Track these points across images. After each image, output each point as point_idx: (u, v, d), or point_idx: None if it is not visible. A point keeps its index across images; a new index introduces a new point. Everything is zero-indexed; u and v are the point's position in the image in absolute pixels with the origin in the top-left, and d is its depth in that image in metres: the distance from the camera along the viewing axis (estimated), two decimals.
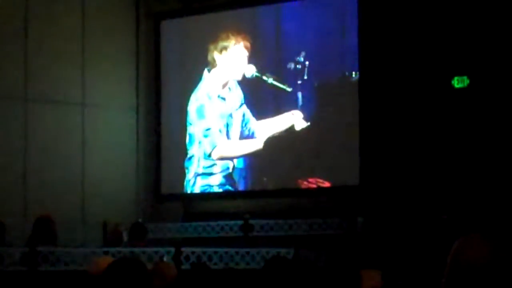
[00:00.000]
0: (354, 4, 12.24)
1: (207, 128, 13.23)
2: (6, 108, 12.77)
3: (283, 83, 12.72)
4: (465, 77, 11.37)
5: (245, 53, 13.07)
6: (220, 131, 13.14)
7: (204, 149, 13.26)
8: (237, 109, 13.09)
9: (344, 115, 12.30)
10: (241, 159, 13.14)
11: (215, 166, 13.21)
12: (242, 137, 13.08)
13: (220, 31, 13.28)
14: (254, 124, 12.98)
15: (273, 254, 10.29)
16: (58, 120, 13.23)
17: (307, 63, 12.59)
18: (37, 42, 13.07)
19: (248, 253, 10.78)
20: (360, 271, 5.12)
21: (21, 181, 12.77)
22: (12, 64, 12.84)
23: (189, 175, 13.46)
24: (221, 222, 12.85)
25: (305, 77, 12.59)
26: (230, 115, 13.11)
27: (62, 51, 13.31)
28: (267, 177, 12.98)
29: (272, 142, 12.82)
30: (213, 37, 13.30)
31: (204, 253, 10.48)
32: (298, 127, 12.62)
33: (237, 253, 10.76)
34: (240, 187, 13.19)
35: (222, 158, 13.14)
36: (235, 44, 13.15)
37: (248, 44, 13.05)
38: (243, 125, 13.06)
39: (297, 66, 12.65)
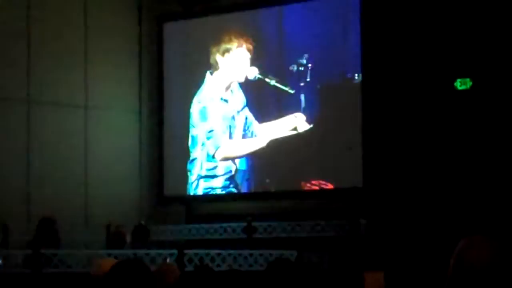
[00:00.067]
0: (356, 6, 12.25)
1: (210, 129, 13.23)
2: (9, 110, 12.78)
3: (286, 85, 12.73)
4: (467, 79, 11.37)
5: (248, 56, 13.07)
6: (223, 132, 13.15)
7: (207, 151, 13.26)
8: (239, 112, 13.09)
9: (347, 117, 12.30)
10: (243, 162, 13.14)
11: (218, 168, 13.22)
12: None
13: (223, 33, 13.29)
14: (257, 127, 12.98)
15: (276, 256, 10.28)
16: (61, 122, 13.24)
17: (309, 65, 12.60)
18: (40, 44, 13.08)
19: (251, 255, 10.78)
20: (363, 273, 5.12)
21: (24, 183, 12.78)
22: (15, 66, 12.85)
23: (192, 178, 13.46)
24: (224, 224, 12.85)
25: (308, 79, 12.60)
26: (233, 117, 13.12)
27: (64, 53, 13.33)
28: (270, 179, 12.99)
29: (275, 144, 12.82)
30: (216, 39, 13.31)
31: (207, 255, 10.49)
32: (300, 129, 12.63)
33: (240, 255, 10.76)
34: (243, 189, 13.20)
35: (225, 159, 13.14)
36: (237, 46, 13.16)
37: (250, 47, 13.06)
38: (246, 128, 13.07)
39: (300, 68, 12.66)
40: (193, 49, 13.76)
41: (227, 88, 13.19)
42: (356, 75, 12.25)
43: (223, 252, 10.67)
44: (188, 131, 13.51)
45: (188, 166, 13.49)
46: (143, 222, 12.17)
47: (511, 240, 3.36)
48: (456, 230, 9.97)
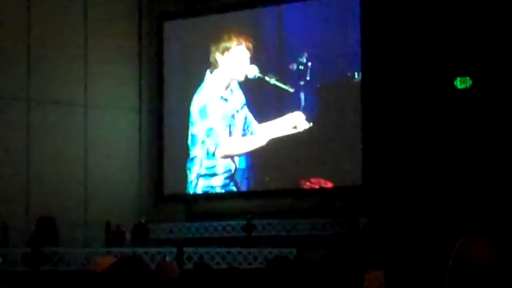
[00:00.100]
0: (356, 5, 12.25)
1: (210, 127, 13.23)
2: (9, 109, 12.78)
3: (286, 84, 12.72)
4: (467, 78, 11.37)
5: (247, 54, 13.07)
6: (223, 130, 13.14)
7: (207, 148, 13.26)
8: (238, 111, 13.09)
9: (347, 116, 12.30)
10: (243, 160, 13.13)
11: (217, 167, 13.21)
12: None
13: (223, 32, 13.28)
14: (256, 127, 12.98)
15: (275, 254, 10.29)
16: (61, 121, 13.24)
17: (309, 64, 12.59)
18: (40, 44, 13.08)
19: (250, 253, 10.79)
20: (363, 271, 5.13)
21: (24, 182, 12.79)
22: (15, 65, 12.86)
23: (192, 176, 13.46)
24: (224, 222, 12.86)
25: (308, 78, 12.59)
26: (233, 116, 13.11)
27: (64, 53, 13.32)
28: (270, 178, 12.99)
29: (275, 143, 12.82)
30: (216, 38, 13.30)
31: (206, 253, 10.49)
32: (300, 128, 12.63)
33: (239, 253, 10.77)
34: (243, 187, 13.20)
35: (225, 157, 13.14)
36: (237, 45, 13.15)
37: (250, 45, 13.05)
38: (245, 127, 13.06)
39: (300, 67, 12.66)
40: (193, 48, 13.75)
41: (227, 87, 13.19)
42: (356, 73, 12.25)
43: (223, 250, 10.68)
44: (187, 130, 13.51)
45: (188, 165, 13.48)
46: (142, 221, 12.19)
47: (511, 239, 3.36)
48: (456, 229, 9.97)
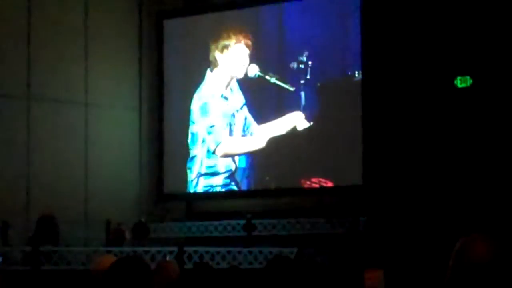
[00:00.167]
0: (357, 3, 12.24)
1: (211, 125, 13.22)
2: (9, 107, 12.78)
3: (286, 83, 12.72)
4: (468, 77, 11.36)
5: (247, 51, 13.05)
6: (224, 129, 13.14)
7: (208, 146, 13.25)
8: (238, 111, 13.08)
9: (347, 115, 12.29)
10: (243, 159, 13.13)
11: (217, 166, 13.21)
12: None
13: (222, 30, 13.27)
14: (256, 128, 12.96)
15: (275, 254, 10.29)
16: (61, 119, 13.24)
17: (310, 62, 12.59)
18: (40, 42, 13.08)
19: (250, 252, 10.79)
20: (363, 271, 5.13)
21: (24, 180, 12.78)
22: (15, 63, 12.85)
23: (192, 175, 13.45)
24: (224, 222, 12.85)
25: (308, 77, 12.59)
26: (233, 115, 13.11)
27: (65, 50, 13.32)
28: (270, 177, 12.98)
29: (275, 142, 12.81)
30: (215, 36, 13.29)
31: (206, 252, 10.50)
32: (300, 127, 12.62)
33: (239, 252, 10.77)
34: (243, 186, 13.19)
35: (226, 155, 13.13)
36: (236, 42, 13.14)
37: (249, 42, 13.04)
38: (245, 128, 13.06)
39: (300, 65, 12.65)
40: (193, 46, 13.74)
41: (227, 85, 13.18)
42: (357, 72, 12.24)
43: (223, 249, 10.68)
44: (188, 129, 13.50)
45: (188, 164, 13.48)
46: (143, 220, 12.19)
47: (511, 238, 3.36)
48: (456, 228, 9.97)
